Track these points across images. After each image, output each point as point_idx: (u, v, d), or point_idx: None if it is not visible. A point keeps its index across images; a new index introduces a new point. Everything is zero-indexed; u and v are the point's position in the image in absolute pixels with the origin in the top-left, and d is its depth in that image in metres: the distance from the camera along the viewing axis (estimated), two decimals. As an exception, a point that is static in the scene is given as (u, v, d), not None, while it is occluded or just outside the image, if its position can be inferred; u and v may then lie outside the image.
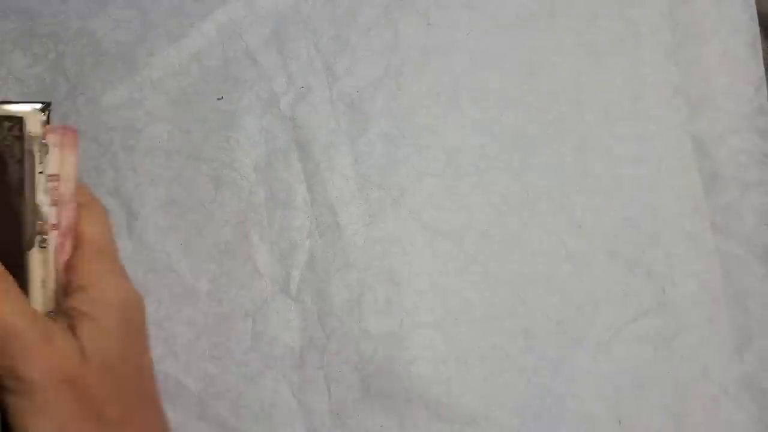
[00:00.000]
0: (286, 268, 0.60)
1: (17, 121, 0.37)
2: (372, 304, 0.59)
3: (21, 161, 0.37)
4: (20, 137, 0.37)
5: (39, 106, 0.38)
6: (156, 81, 0.63)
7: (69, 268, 0.39)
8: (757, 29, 0.62)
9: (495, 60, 0.63)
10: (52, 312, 0.38)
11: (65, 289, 0.38)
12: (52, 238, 0.38)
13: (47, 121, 0.38)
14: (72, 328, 0.36)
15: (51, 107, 0.38)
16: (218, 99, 0.63)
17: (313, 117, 0.63)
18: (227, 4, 0.65)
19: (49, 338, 0.35)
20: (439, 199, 0.61)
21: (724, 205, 0.60)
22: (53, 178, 0.38)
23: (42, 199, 0.38)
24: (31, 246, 0.37)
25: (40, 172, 0.38)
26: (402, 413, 0.57)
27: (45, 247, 0.38)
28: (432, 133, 0.62)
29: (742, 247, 0.59)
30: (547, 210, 0.60)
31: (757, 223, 0.59)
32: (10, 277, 0.36)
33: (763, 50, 0.62)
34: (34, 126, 0.37)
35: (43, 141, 0.38)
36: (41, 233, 0.38)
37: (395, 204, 0.61)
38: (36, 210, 0.38)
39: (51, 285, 0.38)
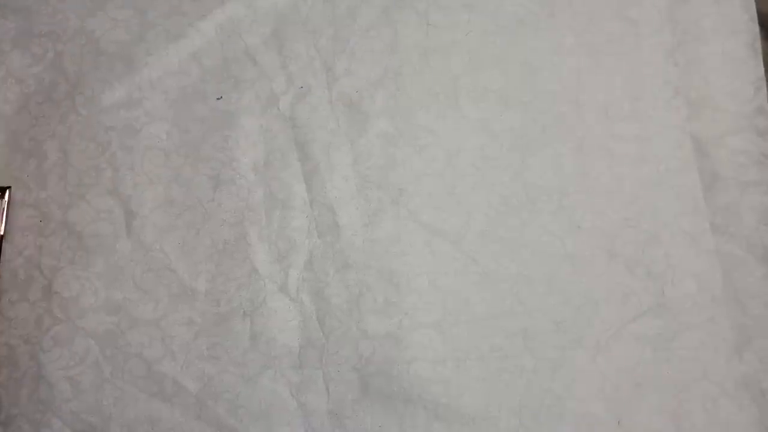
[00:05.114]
0: (285, 268, 0.60)
1: None
2: (371, 304, 0.59)
3: None
4: None
5: None
6: (155, 80, 0.63)
7: None
8: (757, 29, 0.62)
9: (494, 60, 0.63)
10: None
11: None
12: None
13: None
14: None
15: None
16: (217, 99, 0.63)
17: (313, 117, 0.63)
18: (226, 3, 0.65)
19: None
20: (439, 200, 0.60)
21: (723, 206, 0.59)
22: None
23: None
24: None
25: None
26: (401, 413, 0.57)
27: None
28: (431, 134, 0.62)
29: (742, 248, 0.59)
30: (546, 210, 0.60)
31: (756, 223, 0.59)
32: None
33: (763, 50, 0.62)
34: None
35: None
36: None
37: (394, 204, 0.61)
38: None
39: None
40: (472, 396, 0.57)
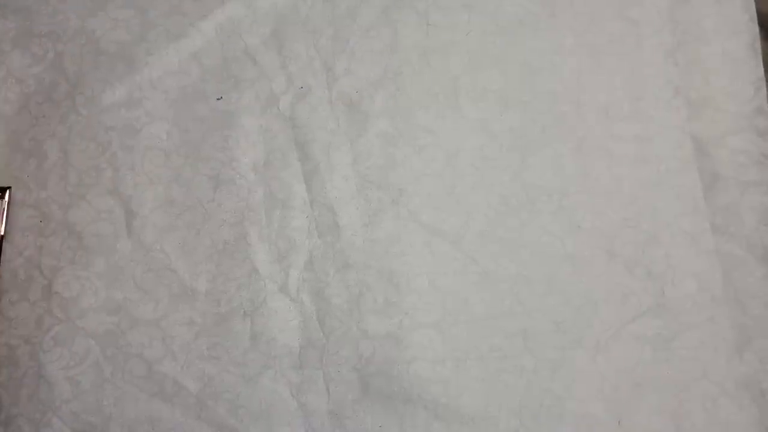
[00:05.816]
0: (285, 268, 0.60)
1: None
2: (371, 304, 0.59)
3: None
4: None
5: None
6: (155, 80, 0.63)
7: None
8: (756, 29, 0.62)
9: (494, 60, 0.63)
10: None
11: None
12: None
13: None
14: None
15: None
16: (217, 99, 0.63)
17: (313, 117, 0.63)
18: (226, 3, 0.65)
19: None
20: (438, 200, 0.61)
21: (723, 206, 0.59)
22: None
23: None
24: None
25: None
26: (401, 413, 0.57)
27: None
28: (431, 134, 0.62)
29: (742, 248, 0.59)
30: (546, 210, 0.60)
31: (756, 223, 0.59)
32: None
33: (763, 50, 0.62)
34: None
35: None
36: None
37: (394, 204, 0.61)
38: None
39: None
40: (471, 396, 0.57)
